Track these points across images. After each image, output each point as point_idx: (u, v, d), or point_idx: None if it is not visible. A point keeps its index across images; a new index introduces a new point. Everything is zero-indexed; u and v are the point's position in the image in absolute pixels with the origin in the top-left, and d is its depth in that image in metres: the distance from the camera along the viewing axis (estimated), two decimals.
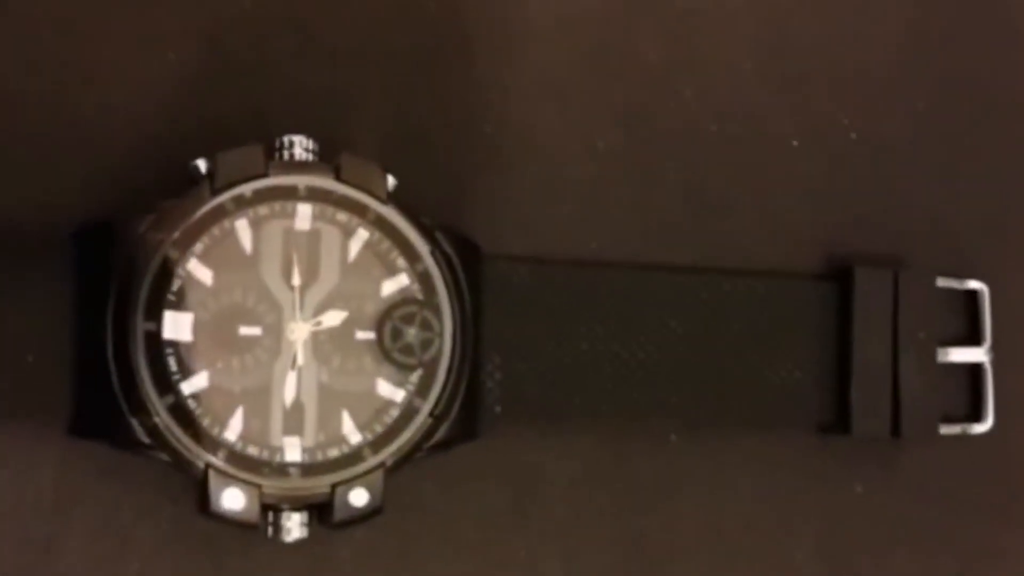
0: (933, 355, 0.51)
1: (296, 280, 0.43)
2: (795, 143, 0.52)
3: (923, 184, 0.53)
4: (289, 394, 0.43)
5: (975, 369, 0.53)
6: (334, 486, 0.43)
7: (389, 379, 0.44)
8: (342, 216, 0.44)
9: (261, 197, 0.43)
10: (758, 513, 0.51)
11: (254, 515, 0.42)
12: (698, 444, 0.50)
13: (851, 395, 0.50)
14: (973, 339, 0.52)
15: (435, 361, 0.44)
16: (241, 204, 0.43)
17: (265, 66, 0.48)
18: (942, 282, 0.52)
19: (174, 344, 0.42)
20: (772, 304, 0.50)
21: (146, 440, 0.42)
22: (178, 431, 0.42)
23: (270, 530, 0.43)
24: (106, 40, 0.46)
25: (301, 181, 0.43)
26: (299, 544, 0.43)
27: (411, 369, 0.44)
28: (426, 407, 0.44)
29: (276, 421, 0.43)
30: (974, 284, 0.53)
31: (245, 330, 0.43)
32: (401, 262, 0.44)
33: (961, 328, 0.53)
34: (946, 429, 0.51)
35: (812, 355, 0.50)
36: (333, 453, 0.43)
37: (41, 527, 0.45)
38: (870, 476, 0.52)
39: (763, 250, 0.51)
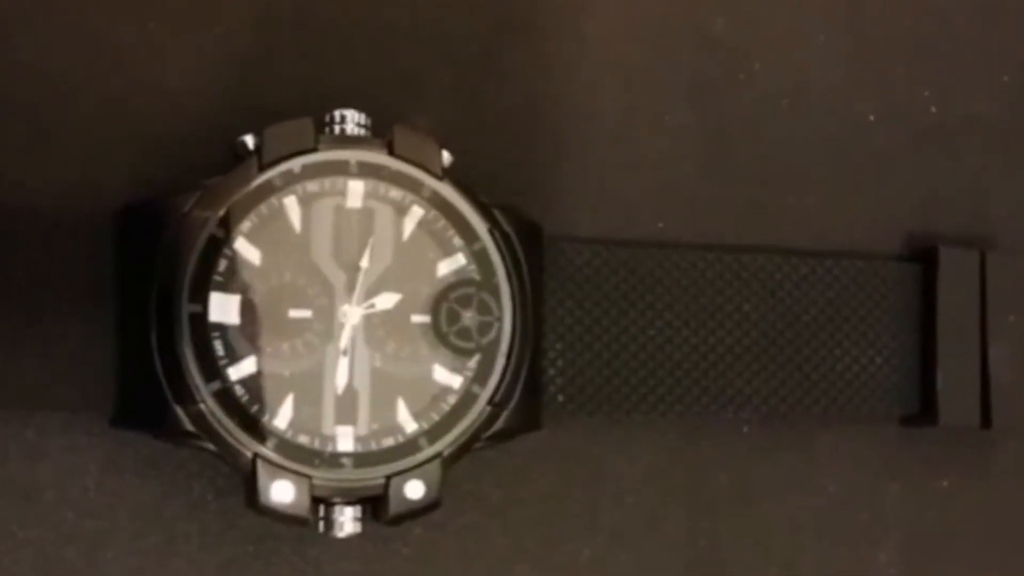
0: None
1: (359, 261, 0.42)
2: (872, 118, 0.51)
3: (1009, 160, 0.52)
4: (341, 380, 0.42)
5: None
6: (389, 478, 0.41)
7: (446, 365, 0.42)
8: (395, 193, 0.42)
9: (310, 173, 0.42)
10: (837, 510, 0.50)
11: (304, 509, 0.41)
12: (773, 436, 0.49)
13: (937, 383, 0.49)
14: None
15: (494, 346, 0.43)
16: (290, 180, 0.42)
17: (317, 42, 0.47)
18: None
19: (221, 327, 0.41)
20: (851, 287, 0.49)
21: (191, 429, 0.41)
22: (225, 419, 0.40)
23: (321, 525, 0.42)
24: (152, 15, 0.45)
25: (353, 156, 0.42)
26: (352, 540, 0.42)
27: (469, 354, 0.42)
28: (485, 394, 0.42)
29: (328, 409, 0.41)
30: None
31: (295, 313, 0.41)
32: (457, 241, 0.43)
33: None
34: None
35: (894, 341, 0.49)
36: (388, 443, 0.42)
37: (86, 523, 0.44)
38: (958, 470, 0.51)
39: (841, 230, 0.50)
